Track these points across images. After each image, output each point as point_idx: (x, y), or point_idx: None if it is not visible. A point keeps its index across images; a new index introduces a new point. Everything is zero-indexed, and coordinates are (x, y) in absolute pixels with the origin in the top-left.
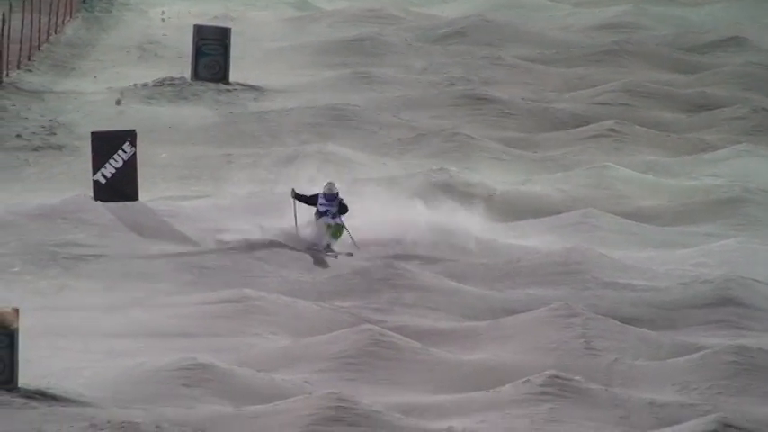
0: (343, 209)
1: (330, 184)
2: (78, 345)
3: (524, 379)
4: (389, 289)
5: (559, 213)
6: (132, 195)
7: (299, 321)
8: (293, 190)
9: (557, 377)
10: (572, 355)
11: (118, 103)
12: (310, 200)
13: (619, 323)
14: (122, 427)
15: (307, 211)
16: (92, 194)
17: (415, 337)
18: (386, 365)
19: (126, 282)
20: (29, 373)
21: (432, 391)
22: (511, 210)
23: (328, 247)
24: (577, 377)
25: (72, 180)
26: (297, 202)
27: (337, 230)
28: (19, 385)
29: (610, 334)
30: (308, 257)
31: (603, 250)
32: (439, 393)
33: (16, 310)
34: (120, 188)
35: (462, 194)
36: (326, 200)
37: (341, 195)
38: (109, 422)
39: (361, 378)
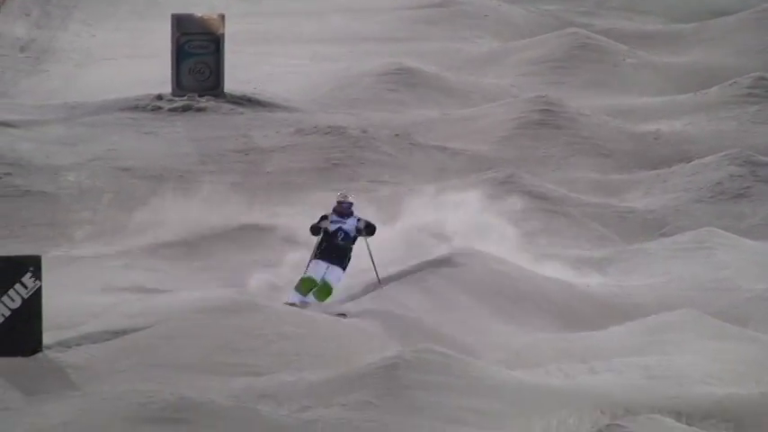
0: (368, 229)
1: (343, 194)
2: (283, 50)
3: (731, 81)
4: None
5: None
6: None
7: (505, 25)
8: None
9: (764, 79)
10: None
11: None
12: (320, 224)
13: None
14: (329, 132)
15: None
16: None
17: (622, 40)
18: (592, 69)
19: None
20: (235, 79)
21: (638, 93)
22: None
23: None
24: None
25: None
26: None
27: (322, 292)
28: (225, 90)
29: None
30: None
31: None
32: (645, 96)
33: (222, 16)
34: None
35: None
36: (337, 214)
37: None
38: (315, 127)
39: (567, 82)
